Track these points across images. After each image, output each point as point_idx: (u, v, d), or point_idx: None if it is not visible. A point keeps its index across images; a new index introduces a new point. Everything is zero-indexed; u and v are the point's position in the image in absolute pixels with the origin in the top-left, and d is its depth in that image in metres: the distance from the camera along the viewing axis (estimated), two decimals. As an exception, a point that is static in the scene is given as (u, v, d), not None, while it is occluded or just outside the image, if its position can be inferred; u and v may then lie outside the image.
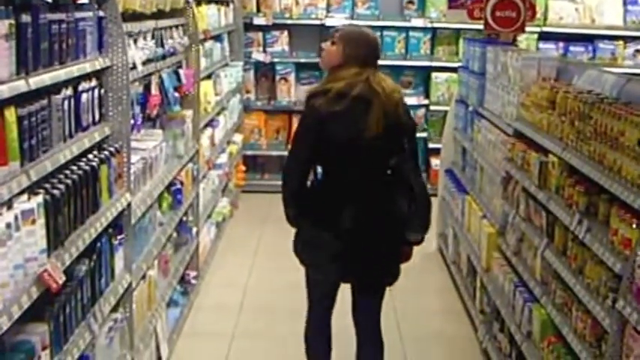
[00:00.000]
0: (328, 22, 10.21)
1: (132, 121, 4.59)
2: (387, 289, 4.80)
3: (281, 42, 10.47)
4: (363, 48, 4.42)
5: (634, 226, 3.57)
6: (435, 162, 10.01)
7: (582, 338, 4.08)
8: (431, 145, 10.42)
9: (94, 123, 4.11)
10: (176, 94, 5.88)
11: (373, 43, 4.50)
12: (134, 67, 4.68)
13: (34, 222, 3.16)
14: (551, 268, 4.63)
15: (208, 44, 7.76)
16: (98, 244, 4.05)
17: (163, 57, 5.58)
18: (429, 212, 4.57)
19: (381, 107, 4.29)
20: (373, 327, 4.73)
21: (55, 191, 3.43)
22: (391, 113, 4.32)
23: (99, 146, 4.20)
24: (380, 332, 4.76)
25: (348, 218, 4.40)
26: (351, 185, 4.43)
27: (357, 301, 4.75)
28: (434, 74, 10.43)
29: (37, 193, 3.28)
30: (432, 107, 10.46)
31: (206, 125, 7.56)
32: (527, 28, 7.94)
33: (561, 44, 10.21)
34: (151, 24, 5.30)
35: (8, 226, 2.97)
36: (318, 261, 4.59)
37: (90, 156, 4.00)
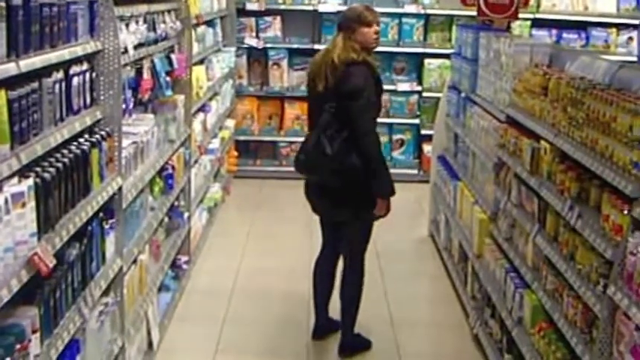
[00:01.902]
0: (321, 8, 10.21)
1: (123, 106, 4.57)
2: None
3: (274, 27, 10.44)
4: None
5: (625, 212, 3.57)
6: (427, 148, 10.02)
7: (573, 324, 4.09)
8: (423, 132, 10.42)
9: (85, 107, 4.09)
10: (168, 79, 5.86)
11: (345, 12, 5.57)
12: (126, 51, 4.65)
13: (24, 205, 3.14)
14: (542, 254, 4.64)
15: (201, 29, 7.74)
16: (89, 228, 4.03)
17: (155, 41, 5.56)
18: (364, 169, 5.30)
19: (327, 72, 5.30)
20: (349, 255, 5.67)
21: (46, 175, 3.41)
22: (332, 78, 5.28)
23: (90, 130, 4.18)
24: (356, 261, 5.63)
25: (305, 153, 5.37)
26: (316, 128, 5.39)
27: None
28: (427, 60, 10.42)
29: (27, 177, 3.26)
30: (424, 94, 10.46)
31: (198, 110, 7.54)
32: (520, 15, 7.92)
33: (554, 31, 10.20)
34: (143, 8, 5.27)
35: (-2, 208, 2.96)
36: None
37: (81, 140, 3.98)
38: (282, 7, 10.36)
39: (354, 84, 5.25)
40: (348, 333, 5.72)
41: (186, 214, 6.70)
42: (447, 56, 9.39)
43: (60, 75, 3.70)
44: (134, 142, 4.89)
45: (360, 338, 5.80)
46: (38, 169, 3.42)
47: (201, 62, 7.87)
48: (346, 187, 5.35)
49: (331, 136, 5.23)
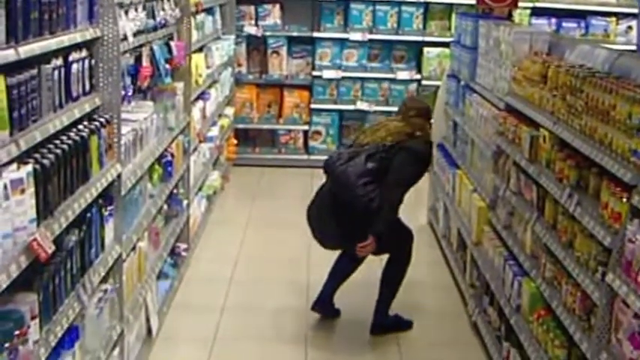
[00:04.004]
0: (320, -4, 10.19)
1: (122, 93, 4.57)
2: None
3: (273, 15, 10.42)
4: None
5: (624, 199, 3.57)
6: (426, 137, 10.00)
7: (572, 311, 4.10)
8: (422, 120, 10.39)
9: (85, 93, 4.10)
10: (167, 66, 5.84)
11: (427, 104, 6.36)
12: (125, 38, 4.65)
13: (23, 191, 3.14)
14: (541, 242, 4.64)
15: (200, 17, 7.72)
16: (88, 215, 4.04)
17: (154, 28, 5.54)
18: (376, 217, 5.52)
19: (401, 137, 5.76)
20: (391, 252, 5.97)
21: (45, 161, 3.42)
22: (373, 142, 5.71)
23: (89, 117, 4.19)
24: (398, 255, 5.92)
25: (339, 155, 5.76)
26: None
27: None
28: (426, 49, 10.40)
29: (26, 163, 3.26)
30: (423, 82, 10.44)
31: (197, 98, 7.53)
32: (520, 4, 7.92)
33: (554, 20, 10.19)
34: (142, -5, 5.26)
35: (-3, 195, 2.96)
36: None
37: (80, 126, 3.99)
38: (281, -6, 10.35)
39: (418, 147, 5.76)
40: (380, 313, 5.91)
41: (185, 202, 6.70)
42: (446, 45, 9.38)
43: (59, 62, 3.71)
44: (133, 129, 4.89)
45: (395, 319, 6.00)
46: (37, 155, 3.42)
47: (200, 50, 7.86)
48: (353, 209, 5.52)
49: (373, 160, 5.58)
